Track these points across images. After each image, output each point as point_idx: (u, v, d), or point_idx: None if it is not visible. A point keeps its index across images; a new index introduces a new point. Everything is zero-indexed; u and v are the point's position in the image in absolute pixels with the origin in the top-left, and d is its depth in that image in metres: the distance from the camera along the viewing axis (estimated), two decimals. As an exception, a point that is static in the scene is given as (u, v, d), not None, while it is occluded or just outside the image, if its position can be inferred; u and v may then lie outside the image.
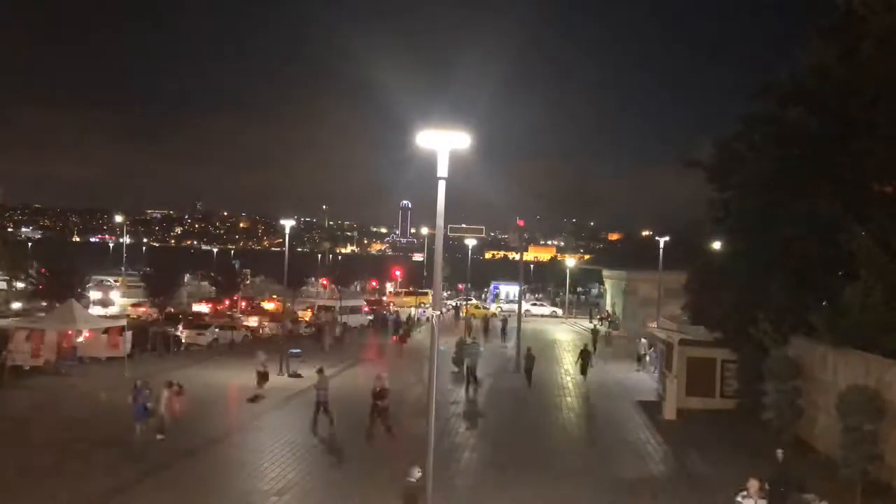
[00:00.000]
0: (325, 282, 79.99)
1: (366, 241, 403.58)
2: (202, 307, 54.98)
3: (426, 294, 69.20)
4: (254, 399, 25.02)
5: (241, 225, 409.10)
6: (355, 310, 55.84)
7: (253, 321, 48.26)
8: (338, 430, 20.64)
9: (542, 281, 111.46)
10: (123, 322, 34.43)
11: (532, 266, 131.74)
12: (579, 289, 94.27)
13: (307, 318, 51.75)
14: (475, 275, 78.04)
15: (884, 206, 20.93)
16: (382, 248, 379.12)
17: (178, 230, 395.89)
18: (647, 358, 37.66)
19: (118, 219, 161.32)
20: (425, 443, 11.86)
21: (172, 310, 49.20)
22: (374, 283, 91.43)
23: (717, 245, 29.10)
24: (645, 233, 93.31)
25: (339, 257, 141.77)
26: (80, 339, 30.73)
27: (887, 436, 15.59)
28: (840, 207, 20.80)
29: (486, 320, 55.13)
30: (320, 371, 22.32)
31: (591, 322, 59.00)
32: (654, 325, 38.49)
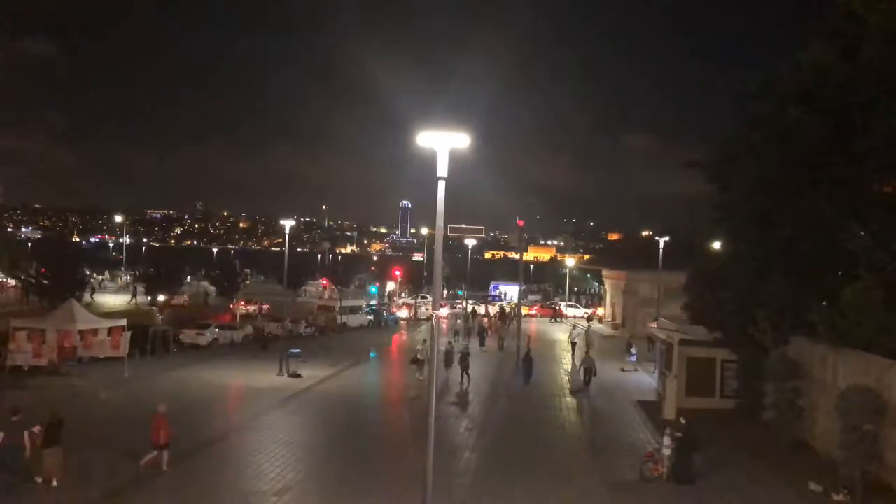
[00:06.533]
0: (325, 282, 79.95)
1: (366, 241, 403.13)
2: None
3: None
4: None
5: (241, 225, 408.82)
6: (355, 310, 55.85)
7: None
8: (337, 430, 20.65)
9: (541, 281, 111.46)
10: (123, 322, 34.42)
11: (532, 266, 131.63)
12: (576, 288, 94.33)
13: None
14: (475, 275, 77.99)
15: (884, 206, 20.92)
16: (382, 248, 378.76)
17: (178, 230, 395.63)
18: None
19: (118, 219, 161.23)
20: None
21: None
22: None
23: (717, 245, 29.09)
24: (645, 233, 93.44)
25: (339, 257, 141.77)
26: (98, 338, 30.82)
27: (887, 436, 15.59)
28: (840, 207, 20.79)
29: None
30: None
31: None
32: (653, 325, 38.45)
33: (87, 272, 50.47)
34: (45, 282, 43.60)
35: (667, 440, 17.37)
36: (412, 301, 70.07)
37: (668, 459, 17.08)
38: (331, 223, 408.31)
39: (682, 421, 18.30)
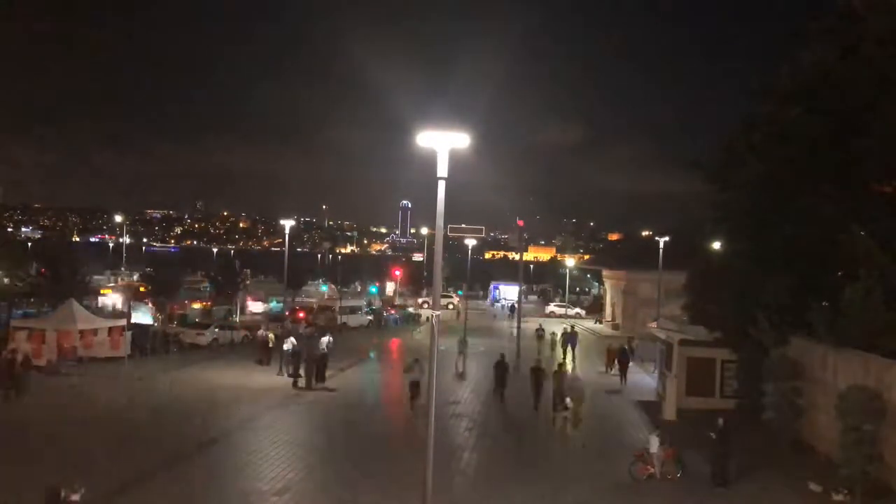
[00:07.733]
0: (324, 282, 79.67)
1: (366, 242, 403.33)
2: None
3: None
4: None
5: (241, 225, 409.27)
6: (355, 310, 55.85)
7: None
8: (337, 430, 20.60)
9: (541, 281, 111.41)
10: (123, 322, 34.44)
11: (532, 266, 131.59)
12: (577, 289, 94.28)
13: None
14: (475, 275, 77.96)
15: (884, 206, 20.92)
16: (382, 248, 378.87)
17: (178, 230, 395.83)
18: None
19: (118, 219, 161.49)
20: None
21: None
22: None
23: (717, 245, 29.09)
24: (645, 233, 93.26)
25: (339, 257, 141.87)
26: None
27: (887, 436, 15.59)
28: (840, 207, 20.79)
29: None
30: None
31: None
32: (653, 325, 38.42)
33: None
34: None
35: (654, 440, 17.37)
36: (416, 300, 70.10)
37: (656, 459, 17.03)
38: (331, 223, 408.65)
39: (720, 422, 17.37)
